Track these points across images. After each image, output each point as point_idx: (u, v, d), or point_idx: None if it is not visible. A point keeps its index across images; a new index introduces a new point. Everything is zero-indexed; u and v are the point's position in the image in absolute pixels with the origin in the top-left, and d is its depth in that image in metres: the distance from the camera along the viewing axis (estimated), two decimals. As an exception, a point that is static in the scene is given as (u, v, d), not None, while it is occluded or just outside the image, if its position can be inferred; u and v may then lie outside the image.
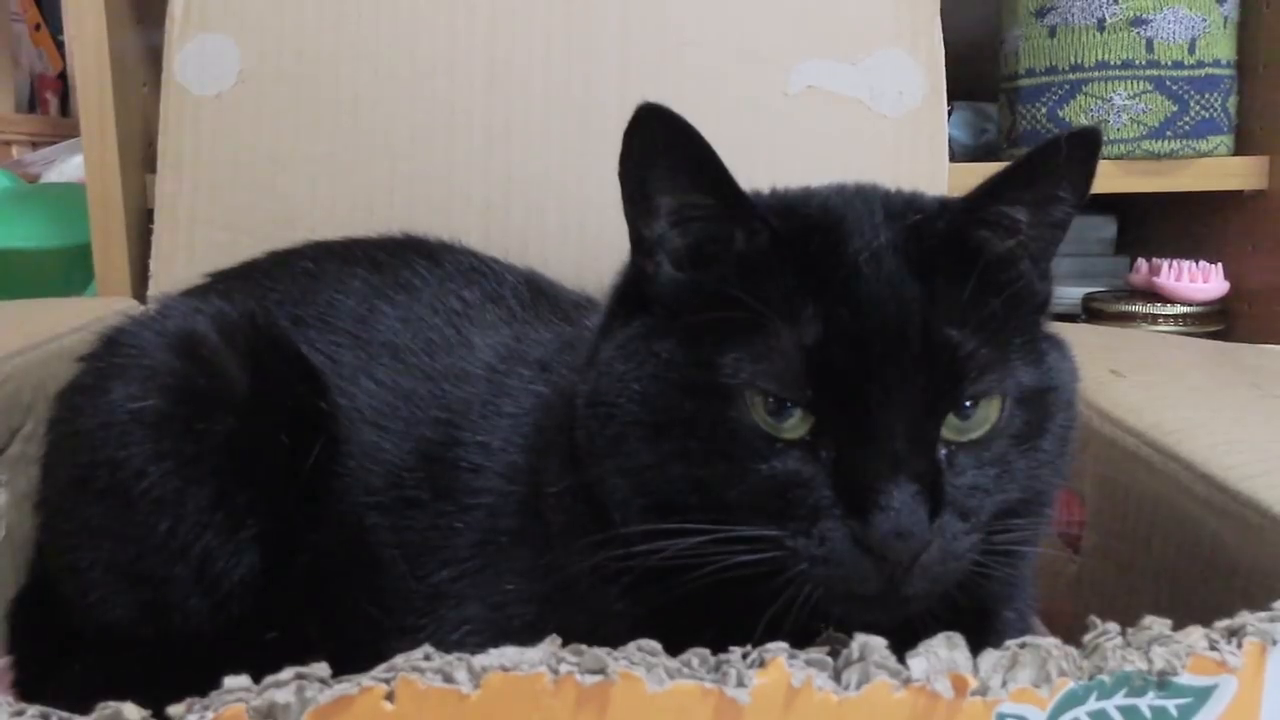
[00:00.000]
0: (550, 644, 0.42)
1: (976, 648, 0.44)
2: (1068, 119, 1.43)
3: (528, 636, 0.43)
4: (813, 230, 0.56)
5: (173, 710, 0.41)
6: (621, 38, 1.11)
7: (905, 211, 0.58)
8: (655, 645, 0.43)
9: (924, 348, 0.53)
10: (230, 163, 1.11)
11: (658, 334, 0.57)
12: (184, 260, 1.09)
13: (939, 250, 0.55)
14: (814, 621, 0.52)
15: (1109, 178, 1.43)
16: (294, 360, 0.74)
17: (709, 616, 0.51)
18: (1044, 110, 1.46)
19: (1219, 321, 1.51)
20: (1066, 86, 1.44)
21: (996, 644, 0.43)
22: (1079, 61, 1.43)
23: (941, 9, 1.13)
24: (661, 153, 0.55)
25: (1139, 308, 1.50)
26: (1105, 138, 1.40)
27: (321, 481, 0.70)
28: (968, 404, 0.54)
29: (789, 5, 1.12)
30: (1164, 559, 0.70)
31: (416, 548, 0.67)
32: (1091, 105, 1.43)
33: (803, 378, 0.52)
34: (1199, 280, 1.47)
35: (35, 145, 1.96)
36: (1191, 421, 0.73)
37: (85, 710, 0.41)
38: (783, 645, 0.43)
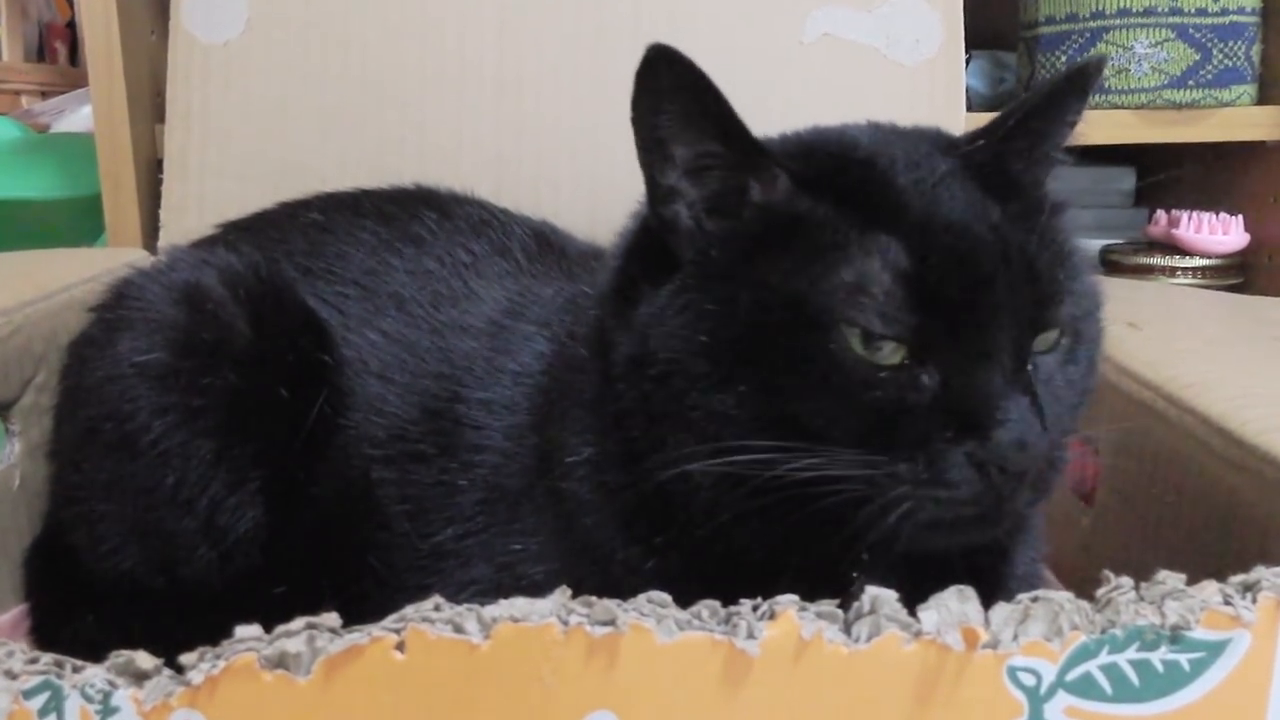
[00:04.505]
0: (560, 595, 0.42)
1: (990, 589, 0.44)
2: (1088, 68, 1.41)
3: (537, 597, 0.43)
4: (848, 165, 0.57)
5: (185, 659, 0.41)
6: (634, -16, 1.09)
7: (950, 144, 0.60)
8: (665, 597, 0.43)
9: (1024, 267, 0.54)
10: (239, 112, 1.10)
11: (706, 285, 0.56)
12: (194, 211, 1.08)
13: (992, 178, 0.57)
14: (884, 557, 0.53)
15: (1129, 128, 1.40)
16: (298, 312, 0.73)
17: (751, 576, 0.50)
18: (1064, 59, 1.43)
19: (1238, 274, 1.49)
20: (1087, 34, 1.41)
21: (1010, 586, 0.43)
22: (1100, 9, 1.39)
23: (960, -45, 1.11)
24: (670, 97, 0.54)
25: (1157, 260, 1.48)
26: (1125, 87, 1.39)
27: (327, 434, 0.70)
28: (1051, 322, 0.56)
29: (805, -50, 1.10)
30: (1179, 513, 0.70)
31: (421, 503, 0.66)
32: (1113, 53, 1.39)
33: (906, 306, 0.52)
34: (1219, 232, 1.45)
35: (44, 95, 1.95)
36: (1209, 375, 0.73)
37: (99, 658, 0.42)
38: (793, 597, 0.43)
